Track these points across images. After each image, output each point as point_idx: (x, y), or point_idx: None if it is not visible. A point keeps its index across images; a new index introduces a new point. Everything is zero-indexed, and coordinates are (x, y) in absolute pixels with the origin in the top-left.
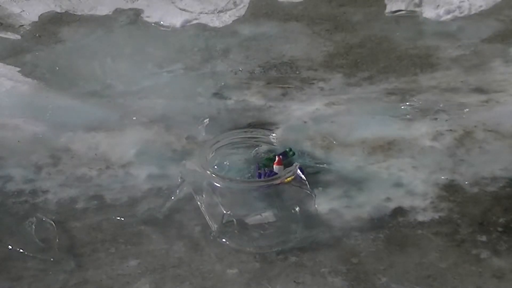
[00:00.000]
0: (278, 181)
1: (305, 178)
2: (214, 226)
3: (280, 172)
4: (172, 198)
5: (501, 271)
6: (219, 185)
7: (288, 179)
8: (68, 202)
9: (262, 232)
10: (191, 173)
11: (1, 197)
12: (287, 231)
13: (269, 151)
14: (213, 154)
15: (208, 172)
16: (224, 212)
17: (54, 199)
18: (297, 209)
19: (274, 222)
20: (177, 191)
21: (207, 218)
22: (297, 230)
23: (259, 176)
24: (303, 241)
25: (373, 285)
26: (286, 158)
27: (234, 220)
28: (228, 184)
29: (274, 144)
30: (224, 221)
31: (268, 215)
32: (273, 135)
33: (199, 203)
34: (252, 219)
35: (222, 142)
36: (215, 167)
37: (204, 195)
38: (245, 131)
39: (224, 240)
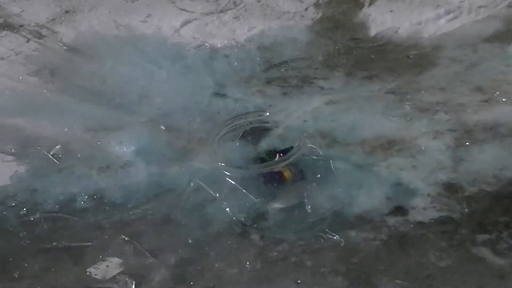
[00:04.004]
0: (286, 162)
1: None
2: (242, 217)
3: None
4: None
5: (501, 271)
6: (231, 174)
7: (288, 175)
8: (68, 201)
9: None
10: (200, 171)
11: (1, 196)
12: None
13: (269, 151)
14: (218, 147)
15: (222, 164)
16: (255, 200)
17: (54, 198)
18: (309, 207)
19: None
20: (186, 190)
21: (228, 210)
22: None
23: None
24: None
25: (373, 285)
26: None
27: (268, 208)
28: (242, 172)
29: (268, 122)
30: (253, 210)
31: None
32: (267, 114)
33: (217, 195)
34: (275, 205)
35: (221, 133)
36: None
37: (221, 190)
38: (239, 118)
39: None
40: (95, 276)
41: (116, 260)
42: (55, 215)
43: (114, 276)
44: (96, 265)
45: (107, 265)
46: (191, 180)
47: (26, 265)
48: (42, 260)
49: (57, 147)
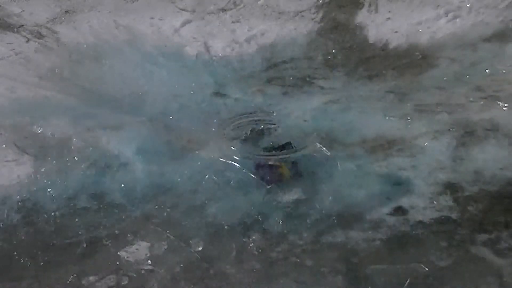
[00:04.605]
0: (296, 154)
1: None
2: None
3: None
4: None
5: (501, 271)
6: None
7: (286, 172)
8: (68, 200)
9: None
10: (209, 161)
11: (1, 196)
12: None
13: (265, 148)
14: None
15: (233, 148)
16: (267, 186)
17: (55, 197)
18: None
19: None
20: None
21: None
22: None
23: (257, 167)
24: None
25: (373, 285)
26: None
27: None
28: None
29: (274, 124)
30: (266, 196)
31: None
32: (274, 114)
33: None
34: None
35: (231, 126)
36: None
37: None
38: (245, 116)
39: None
40: (128, 259)
41: (144, 244)
42: (58, 213)
43: None
44: (126, 249)
45: (136, 249)
46: (205, 174)
47: (26, 265)
48: (42, 260)
49: (88, 149)
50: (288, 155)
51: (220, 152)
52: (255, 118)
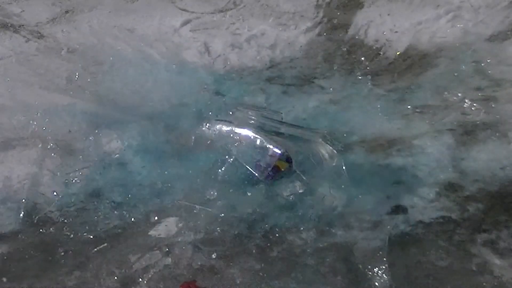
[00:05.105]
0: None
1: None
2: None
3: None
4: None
5: (501, 271)
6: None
7: (283, 166)
8: (68, 200)
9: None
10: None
11: (2, 196)
12: None
13: None
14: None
15: (251, 112)
16: (280, 151)
17: (55, 196)
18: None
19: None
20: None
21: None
22: None
23: (257, 167)
24: None
25: (373, 285)
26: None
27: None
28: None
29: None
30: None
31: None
32: (281, 114)
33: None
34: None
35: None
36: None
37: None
38: (256, 108)
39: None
40: (159, 236)
41: (172, 219)
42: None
43: None
44: (155, 228)
45: (165, 225)
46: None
47: (26, 265)
48: (42, 260)
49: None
50: (298, 131)
51: (236, 120)
52: (264, 113)
